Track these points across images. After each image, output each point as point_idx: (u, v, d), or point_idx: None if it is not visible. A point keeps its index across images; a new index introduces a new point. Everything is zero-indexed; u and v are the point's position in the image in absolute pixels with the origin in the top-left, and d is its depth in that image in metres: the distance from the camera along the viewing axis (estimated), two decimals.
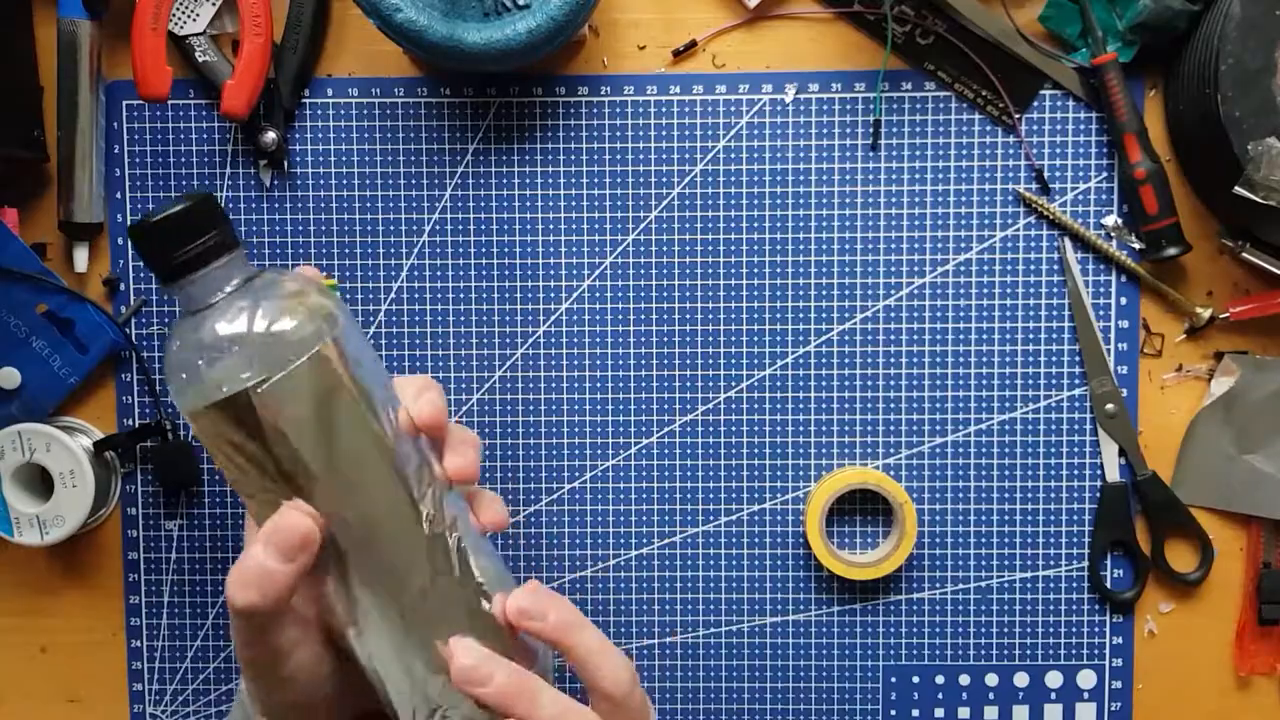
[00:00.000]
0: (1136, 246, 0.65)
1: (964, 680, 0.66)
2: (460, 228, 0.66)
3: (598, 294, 0.66)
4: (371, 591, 0.41)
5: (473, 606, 0.43)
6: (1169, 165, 0.64)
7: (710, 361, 0.66)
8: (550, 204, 0.66)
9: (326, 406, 0.40)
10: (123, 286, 0.67)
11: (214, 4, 0.64)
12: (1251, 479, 0.65)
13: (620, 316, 0.66)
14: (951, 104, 0.65)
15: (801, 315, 0.66)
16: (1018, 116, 0.65)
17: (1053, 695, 0.66)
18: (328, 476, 0.40)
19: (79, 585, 0.68)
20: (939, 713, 0.67)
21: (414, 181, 0.66)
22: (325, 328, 0.40)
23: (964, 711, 0.67)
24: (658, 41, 0.65)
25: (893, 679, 0.67)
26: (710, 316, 0.66)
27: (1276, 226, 0.61)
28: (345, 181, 0.66)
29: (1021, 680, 0.66)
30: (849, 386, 0.66)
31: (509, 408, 0.66)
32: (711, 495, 0.66)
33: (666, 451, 0.66)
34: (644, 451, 0.66)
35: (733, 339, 0.66)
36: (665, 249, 0.66)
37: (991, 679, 0.66)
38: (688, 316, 0.66)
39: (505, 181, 0.66)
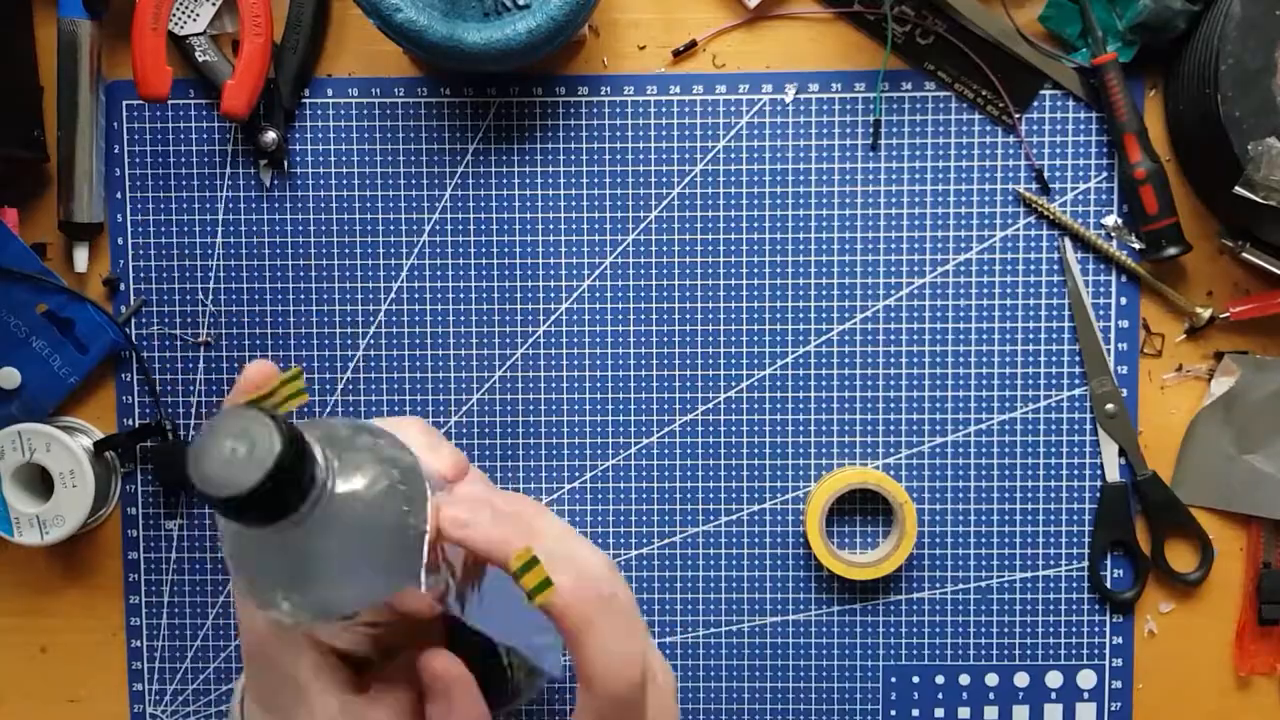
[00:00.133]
0: (1136, 246, 0.65)
1: (964, 680, 0.66)
2: (460, 228, 0.66)
3: (598, 294, 0.66)
4: None
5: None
6: (1169, 165, 0.64)
7: (710, 361, 0.66)
8: (550, 204, 0.66)
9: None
10: (123, 286, 0.67)
11: (214, 4, 0.64)
12: (1251, 479, 0.65)
13: (620, 316, 0.66)
14: (951, 104, 0.65)
15: (801, 315, 0.66)
16: (1018, 116, 0.65)
17: (1053, 695, 0.66)
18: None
19: (79, 585, 0.68)
20: (939, 713, 0.67)
21: (414, 181, 0.66)
22: (422, 515, 0.39)
23: (964, 711, 0.67)
24: (658, 41, 0.65)
25: (893, 679, 0.67)
26: (710, 316, 0.66)
27: (1276, 226, 0.61)
28: (345, 181, 0.66)
29: (1021, 680, 0.66)
30: (849, 386, 0.66)
31: (509, 408, 0.66)
32: (711, 495, 0.66)
33: (666, 451, 0.66)
34: (644, 451, 0.66)
35: (733, 339, 0.66)
36: (665, 249, 0.66)
37: (991, 679, 0.66)
38: (688, 316, 0.66)
39: (505, 181, 0.66)
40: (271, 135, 0.65)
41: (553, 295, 0.66)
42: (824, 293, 0.66)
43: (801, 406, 0.66)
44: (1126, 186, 0.63)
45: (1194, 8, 0.60)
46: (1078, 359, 0.65)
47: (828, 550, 0.64)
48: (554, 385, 0.66)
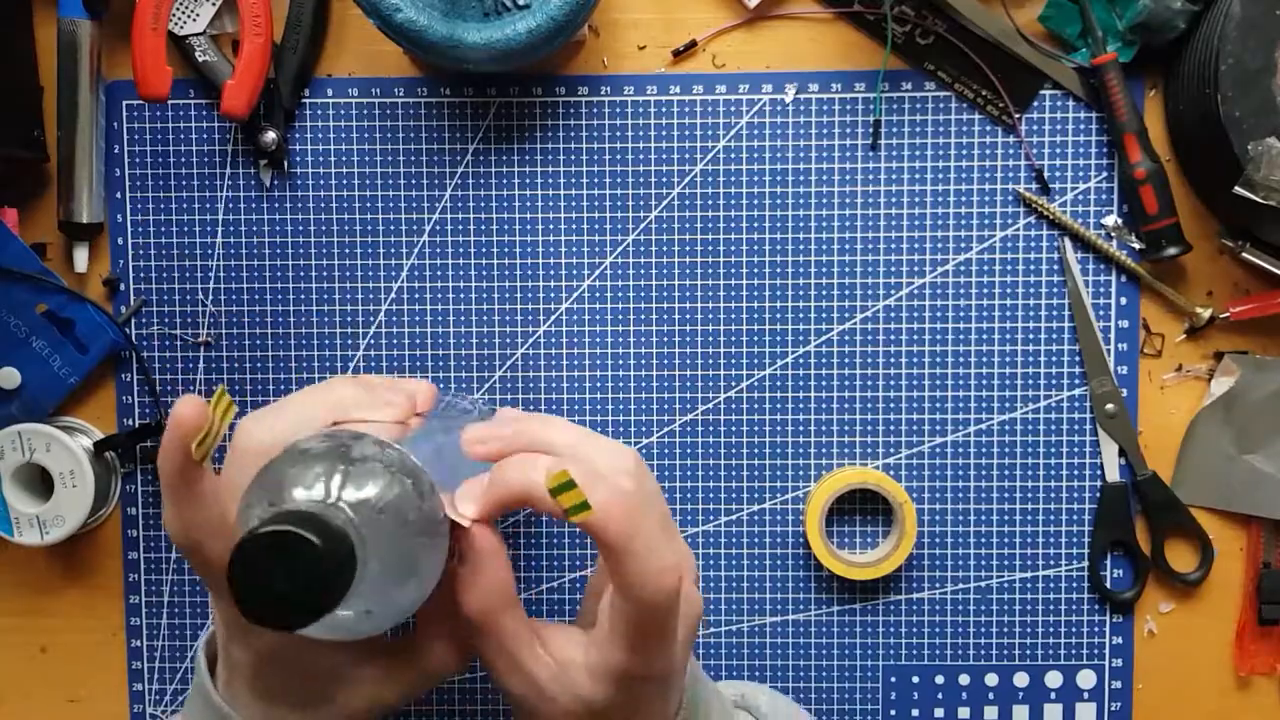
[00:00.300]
0: (1136, 246, 0.65)
1: (964, 680, 0.66)
2: (460, 228, 0.66)
3: (598, 294, 0.66)
4: None
5: None
6: (1169, 165, 0.64)
7: (710, 361, 0.66)
8: (550, 204, 0.66)
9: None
10: (123, 286, 0.67)
11: (214, 4, 0.64)
12: (1251, 479, 0.65)
13: (620, 316, 0.66)
14: (951, 104, 0.65)
15: (801, 315, 0.66)
16: (1018, 116, 0.65)
17: (1053, 695, 0.66)
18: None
19: (79, 585, 0.68)
20: (939, 713, 0.67)
21: (414, 181, 0.66)
22: (441, 541, 0.41)
23: (964, 711, 0.67)
24: (658, 41, 0.65)
25: (893, 679, 0.67)
26: (710, 316, 0.66)
27: (1276, 226, 0.61)
28: (345, 181, 0.66)
29: (1021, 680, 0.66)
30: (849, 386, 0.66)
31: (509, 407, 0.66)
32: (711, 495, 0.66)
33: (666, 451, 0.66)
34: (644, 451, 0.66)
35: (733, 339, 0.66)
36: (665, 249, 0.66)
37: (991, 679, 0.66)
38: (688, 316, 0.66)
39: (505, 181, 0.66)
40: (271, 135, 0.65)
41: (553, 295, 0.66)
42: (824, 293, 0.66)
43: (801, 406, 0.66)
44: (1126, 186, 0.63)
45: (1194, 8, 0.60)
46: (1078, 359, 0.65)
47: (828, 550, 0.64)
48: (554, 385, 0.66)
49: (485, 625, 0.42)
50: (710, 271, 0.66)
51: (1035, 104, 0.65)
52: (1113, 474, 0.65)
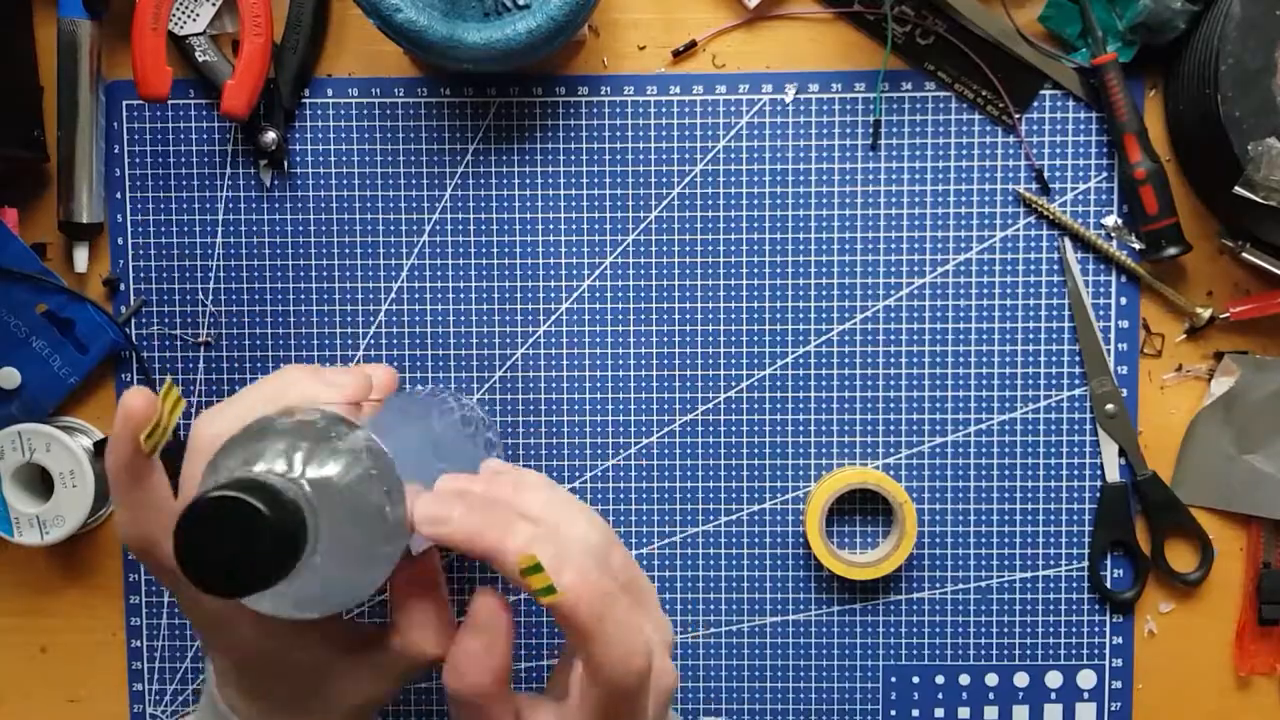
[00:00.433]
0: (1136, 246, 0.65)
1: (964, 680, 0.66)
2: (460, 228, 0.66)
3: (598, 294, 0.66)
4: None
5: None
6: (1169, 165, 0.64)
7: (710, 361, 0.66)
8: (550, 204, 0.66)
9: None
10: (123, 286, 0.67)
11: (214, 4, 0.64)
12: (1251, 479, 0.65)
13: (620, 316, 0.66)
14: (951, 104, 0.65)
15: (801, 315, 0.66)
16: (1018, 116, 0.65)
17: (1053, 695, 0.66)
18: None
19: (79, 585, 0.68)
20: (939, 713, 0.67)
21: (414, 181, 0.66)
22: (395, 546, 0.40)
23: (964, 711, 0.67)
24: (658, 41, 0.65)
25: (893, 679, 0.67)
26: (710, 316, 0.66)
27: (1276, 226, 0.61)
28: (345, 181, 0.66)
29: (1021, 680, 0.66)
30: (849, 386, 0.66)
31: (509, 408, 0.66)
32: (711, 495, 0.66)
33: (666, 451, 0.66)
34: (644, 451, 0.66)
35: (733, 339, 0.66)
36: (665, 249, 0.66)
37: (991, 679, 0.66)
38: (688, 316, 0.66)
39: (505, 181, 0.66)
40: (271, 135, 0.65)
41: (553, 295, 0.66)
42: (824, 293, 0.66)
43: (801, 406, 0.66)
44: (1126, 186, 0.63)
45: (1194, 8, 0.60)
46: (1078, 359, 0.65)
47: (828, 550, 0.64)
48: (554, 385, 0.66)
49: (473, 704, 0.42)
50: (710, 271, 0.66)
51: (1035, 104, 0.64)
52: (1113, 474, 0.65)
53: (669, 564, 0.67)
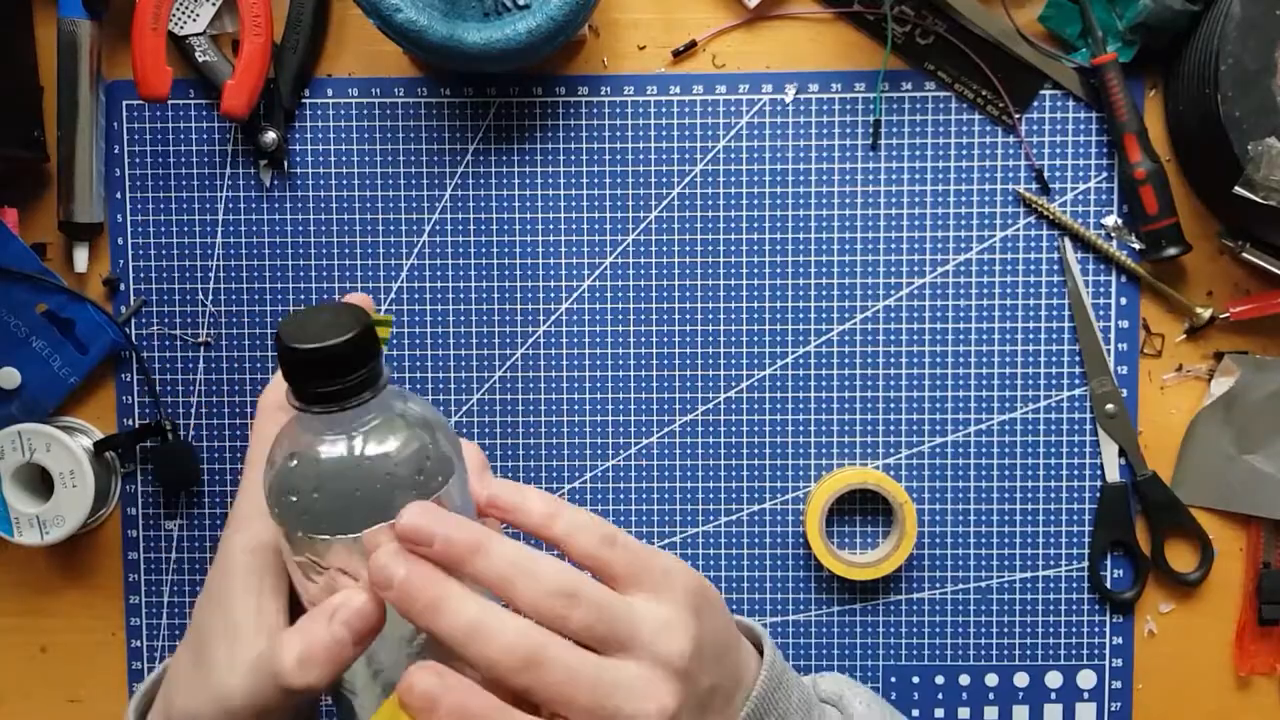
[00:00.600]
0: (1136, 246, 0.65)
1: (964, 680, 0.66)
2: (460, 228, 0.66)
3: (598, 294, 0.66)
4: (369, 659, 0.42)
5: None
6: (1169, 165, 0.64)
7: (710, 361, 0.66)
8: (550, 204, 0.66)
9: None
10: (123, 286, 0.67)
11: (214, 4, 0.64)
12: (1251, 479, 0.65)
13: (620, 316, 0.66)
14: (951, 104, 0.65)
15: (801, 315, 0.66)
16: (1018, 116, 0.65)
17: (1053, 695, 0.66)
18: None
19: (79, 585, 0.68)
20: (939, 713, 0.67)
21: (414, 181, 0.66)
22: (441, 481, 0.40)
23: (964, 711, 0.67)
24: (658, 41, 0.65)
25: (893, 679, 0.67)
26: (710, 316, 0.66)
27: (1276, 226, 0.61)
28: (345, 181, 0.66)
29: (1021, 680, 0.66)
30: (849, 386, 0.66)
31: (509, 408, 0.66)
32: (711, 495, 0.66)
33: (666, 451, 0.66)
34: (644, 451, 0.66)
35: (733, 339, 0.66)
36: (665, 249, 0.66)
37: (991, 679, 0.66)
38: (688, 316, 0.66)
39: (505, 181, 0.66)
40: (271, 135, 0.65)
41: (553, 295, 0.66)
42: (824, 293, 0.66)
43: (801, 406, 0.66)
44: (1126, 186, 0.63)
45: (1194, 8, 0.60)
46: (1078, 359, 0.65)
47: (828, 550, 0.64)
48: (554, 385, 0.66)
49: None
50: (710, 271, 0.66)
51: (1035, 104, 0.65)
52: (1113, 474, 0.65)
53: None
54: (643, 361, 0.66)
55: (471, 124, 0.66)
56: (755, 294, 0.66)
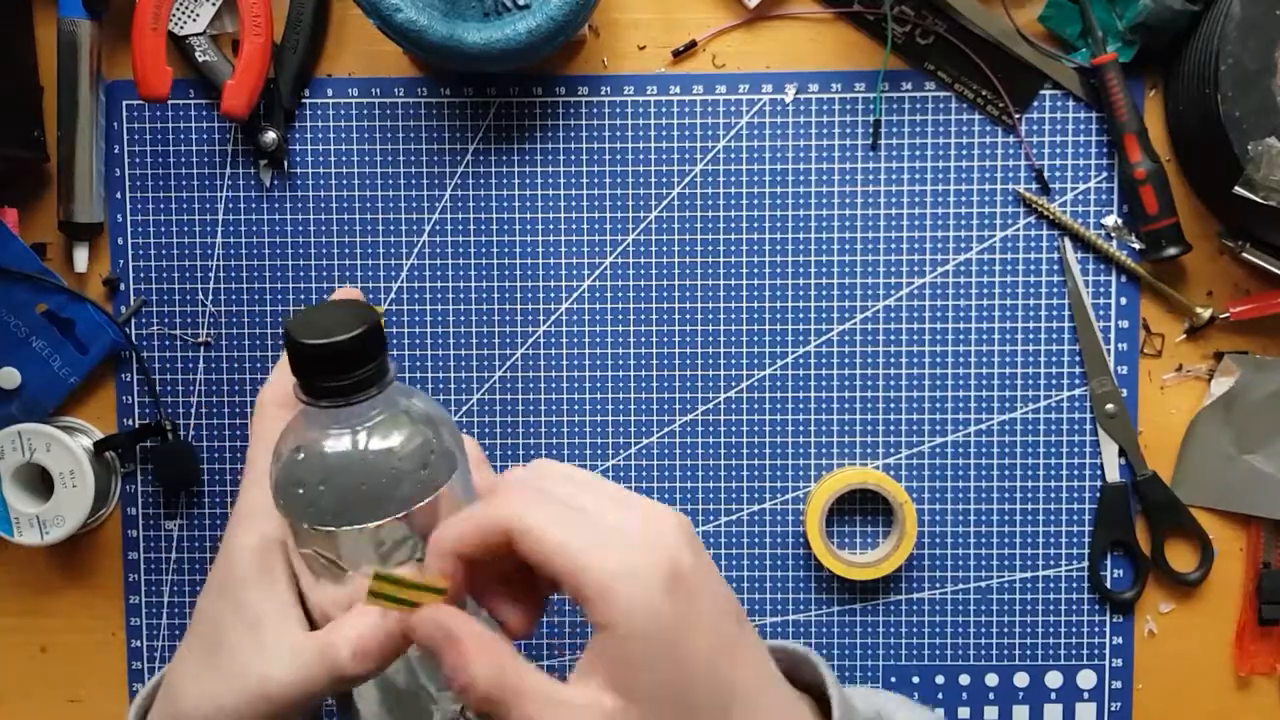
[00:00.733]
0: (1136, 246, 0.65)
1: (964, 680, 0.66)
2: (460, 228, 0.66)
3: (598, 294, 0.66)
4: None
5: None
6: (1169, 165, 0.64)
7: (710, 361, 0.66)
8: (550, 204, 0.66)
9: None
10: (123, 286, 0.67)
11: (214, 4, 0.64)
12: (1251, 479, 0.65)
13: (620, 316, 0.66)
14: (951, 104, 0.65)
15: (801, 315, 0.66)
16: (1018, 116, 0.65)
17: (1053, 695, 0.66)
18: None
19: (79, 585, 0.68)
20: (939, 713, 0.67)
21: (414, 181, 0.66)
22: (444, 476, 0.41)
23: (964, 711, 0.67)
24: (658, 41, 0.65)
25: (893, 679, 0.67)
26: (710, 316, 0.66)
27: (1276, 226, 0.61)
28: (345, 181, 0.66)
29: (1021, 680, 0.66)
30: (849, 386, 0.66)
31: (509, 408, 0.66)
32: (711, 495, 0.66)
33: (666, 451, 0.66)
34: (644, 451, 0.66)
35: (733, 339, 0.66)
36: (665, 249, 0.66)
37: (991, 679, 0.66)
38: (688, 316, 0.66)
39: (505, 181, 0.66)
40: (271, 135, 0.65)
41: (553, 295, 0.66)
42: (824, 293, 0.66)
43: (801, 406, 0.66)
44: (1126, 186, 0.63)
45: (1194, 8, 0.60)
46: (1078, 359, 0.65)
47: (828, 550, 0.64)
48: (554, 385, 0.66)
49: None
50: (710, 271, 0.66)
51: (1035, 104, 0.64)
52: (1113, 474, 0.65)
53: None
54: (643, 361, 0.66)
55: (471, 124, 0.66)
56: (755, 294, 0.66)
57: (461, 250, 0.66)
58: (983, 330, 0.65)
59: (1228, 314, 0.64)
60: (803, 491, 0.66)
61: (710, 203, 0.65)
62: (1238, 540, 0.66)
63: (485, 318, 0.66)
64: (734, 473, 0.66)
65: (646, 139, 0.65)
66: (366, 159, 0.66)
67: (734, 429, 0.66)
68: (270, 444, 0.44)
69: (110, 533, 0.68)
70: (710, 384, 0.66)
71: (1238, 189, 0.57)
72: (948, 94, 0.65)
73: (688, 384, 0.66)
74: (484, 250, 0.66)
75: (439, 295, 0.66)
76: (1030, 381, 0.65)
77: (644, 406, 0.66)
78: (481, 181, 0.66)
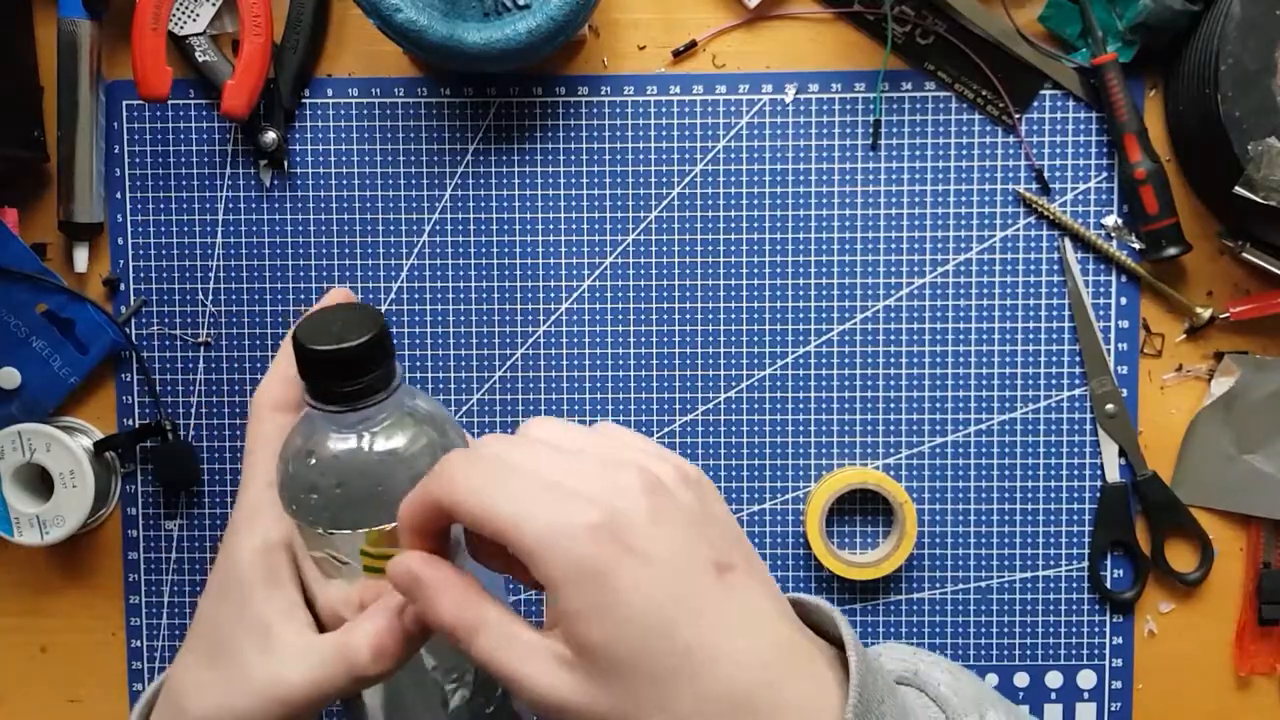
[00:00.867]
0: (1136, 246, 0.65)
1: None
2: (460, 228, 0.66)
3: (598, 294, 0.66)
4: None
5: None
6: (1169, 165, 0.64)
7: (710, 361, 0.66)
8: (550, 204, 0.66)
9: None
10: (123, 286, 0.67)
11: (214, 4, 0.64)
12: (1251, 479, 0.65)
13: (620, 316, 0.66)
14: (951, 104, 0.65)
15: (801, 315, 0.66)
16: (1018, 116, 0.65)
17: (1053, 695, 0.66)
18: None
19: (79, 585, 0.68)
20: None
21: (414, 181, 0.66)
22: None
23: None
24: (658, 41, 0.65)
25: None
26: (710, 316, 0.66)
27: (1276, 226, 0.61)
28: (345, 181, 0.66)
29: (1021, 680, 0.66)
30: (849, 386, 0.66)
31: (509, 408, 0.66)
32: None
33: None
34: None
35: (733, 339, 0.66)
36: (665, 249, 0.66)
37: (991, 679, 0.66)
38: (688, 316, 0.66)
39: (505, 181, 0.66)
40: (271, 135, 0.65)
41: (553, 295, 0.66)
42: (824, 293, 0.66)
43: (801, 406, 0.66)
44: (1126, 186, 0.63)
45: (1194, 8, 0.60)
46: (1078, 359, 0.65)
47: (828, 550, 0.64)
48: (554, 385, 0.66)
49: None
50: (710, 271, 0.66)
51: (1035, 104, 0.64)
52: (1113, 474, 0.65)
53: None
54: (643, 361, 0.66)
55: (471, 124, 0.66)
56: (755, 294, 0.66)
57: (461, 250, 0.66)
58: (983, 330, 0.65)
59: (1228, 314, 0.64)
60: (803, 491, 0.66)
61: (710, 203, 0.65)
62: (1238, 540, 0.66)
63: (485, 318, 0.66)
64: (734, 473, 0.66)
65: (646, 139, 0.65)
66: (366, 159, 0.66)
67: (734, 429, 0.66)
68: (269, 448, 0.44)
69: (110, 533, 0.68)
70: (710, 384, 0.66)
71: (1238, 189, 0.57)
72: (948, 94, 0.65)
73: (688, 384, 0.66)
74: (484, 250, 0.66)
75: (439, 295, 0.66)
76: (1030, 381, 0.65)
77: (644, 406, 0.66)
78: (481, 181, 0.66)
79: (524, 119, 0.66)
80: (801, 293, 0.66)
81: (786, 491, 0.66)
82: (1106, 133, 0.64)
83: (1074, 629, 0.66)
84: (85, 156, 0.65)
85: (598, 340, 0.66)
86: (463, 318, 0.66)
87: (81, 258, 0.66)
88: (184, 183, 0.66)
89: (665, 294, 0.66)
